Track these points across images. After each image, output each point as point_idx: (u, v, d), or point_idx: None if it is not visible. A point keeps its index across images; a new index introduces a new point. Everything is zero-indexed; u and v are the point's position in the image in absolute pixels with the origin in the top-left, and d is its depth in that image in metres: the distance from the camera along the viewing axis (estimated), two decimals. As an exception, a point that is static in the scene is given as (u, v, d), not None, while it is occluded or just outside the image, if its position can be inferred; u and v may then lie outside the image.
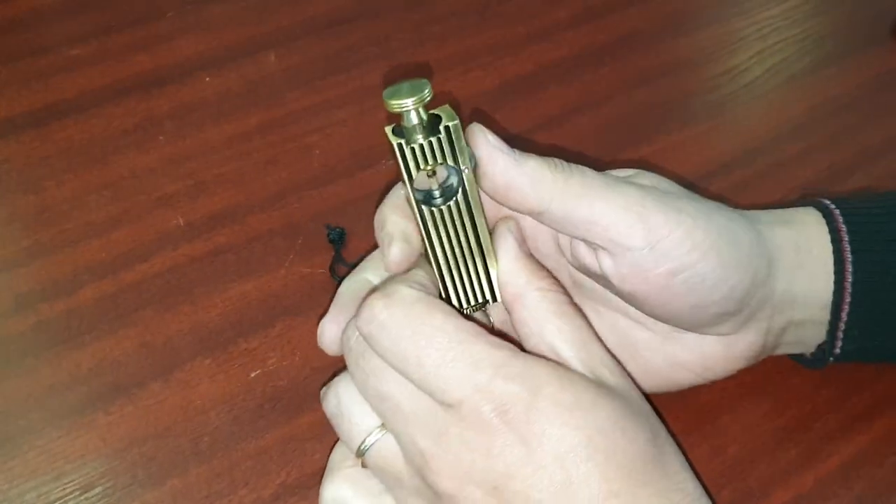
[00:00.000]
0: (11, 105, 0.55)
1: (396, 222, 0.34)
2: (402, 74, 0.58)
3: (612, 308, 0.39)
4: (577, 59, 0.60)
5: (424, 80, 0.32)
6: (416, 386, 0.31)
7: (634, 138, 0.55)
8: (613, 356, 0.34)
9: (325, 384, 0.41)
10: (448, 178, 0.33)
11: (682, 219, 0.35)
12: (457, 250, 0.35)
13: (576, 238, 0.36)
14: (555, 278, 0.35)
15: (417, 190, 0.33)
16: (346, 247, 0.48)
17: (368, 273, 0.36)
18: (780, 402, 0.43)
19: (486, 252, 0.35)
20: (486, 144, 0.33)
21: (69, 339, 0.44)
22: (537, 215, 0.35)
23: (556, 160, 0.35)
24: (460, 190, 0.33)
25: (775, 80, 0.60)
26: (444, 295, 0.35)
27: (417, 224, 0.34)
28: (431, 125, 0.32)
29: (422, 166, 0.32)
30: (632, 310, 0.39)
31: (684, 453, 0.34)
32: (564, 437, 0.30)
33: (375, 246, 0.48)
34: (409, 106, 0.31)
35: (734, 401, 0.43)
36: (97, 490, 0.38)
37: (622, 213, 0.34)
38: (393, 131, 0.32)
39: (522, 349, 0.33)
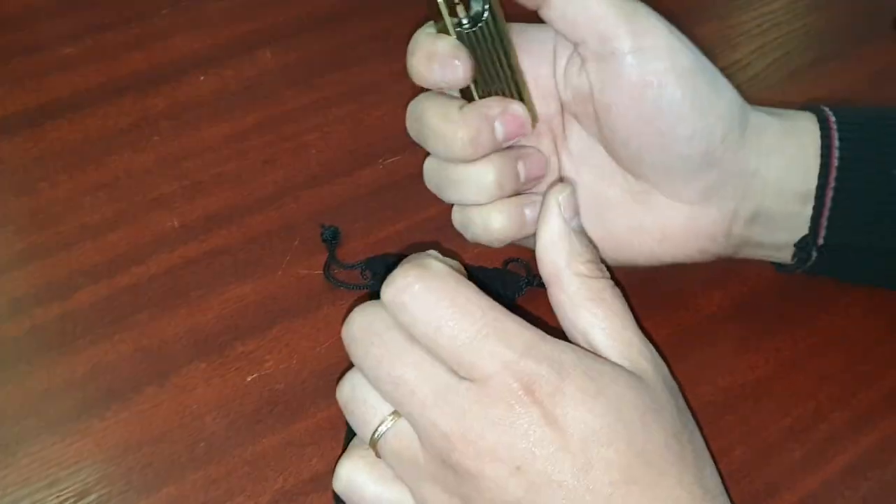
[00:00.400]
0: (4, 105, 0.54)
1: (444, 44, 0.36)
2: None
3: (592, 164, 0.40)
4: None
5: None
6: (443, 359, 0.31)
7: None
8: (650, 345, 0.34)
9: (322, 387, 0.42)
10: (473, 8, 0.36)
11: (671, 39, 0.36)
12: (493, 73, 0.37)
13: (569, 37, 0.37)
14: (598, 261, 0.35)
15: (454, 19, 0.36)
16: (341, 246, 0.47)
17: None
18: (784, 402, 0.43)
19: (516, 73, 0.37)
20: None
21: (64, 344, 0.43)
22: (541, 4, 0.36)
23: None
24: (487, 12, 0.35)
25: (777, 75, 0.59)
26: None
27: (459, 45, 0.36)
28: None
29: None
30: (608, 162, 0.39)
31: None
32: (588, 421, 0.30)
33: (372, 246, 0.47)
34: None
35: (737, 401, 0.43)
36: (92, 497, 0.38)
37: (614, 10, 0.35)
38: None
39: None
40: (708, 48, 0.60)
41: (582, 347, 0.32)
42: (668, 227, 0.40)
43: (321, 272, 0.46)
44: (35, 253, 0.46)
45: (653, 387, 0.32)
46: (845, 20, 0.64)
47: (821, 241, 0.41)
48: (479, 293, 0.31)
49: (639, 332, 0.34)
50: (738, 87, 0.53)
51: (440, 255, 0.33)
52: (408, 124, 0.39)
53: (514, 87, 0.38)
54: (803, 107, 0.42)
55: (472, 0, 0.36)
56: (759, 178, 0.39)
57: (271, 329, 0.44)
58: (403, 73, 0.57)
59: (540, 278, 0.40)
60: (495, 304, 0.31)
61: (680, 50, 0.36)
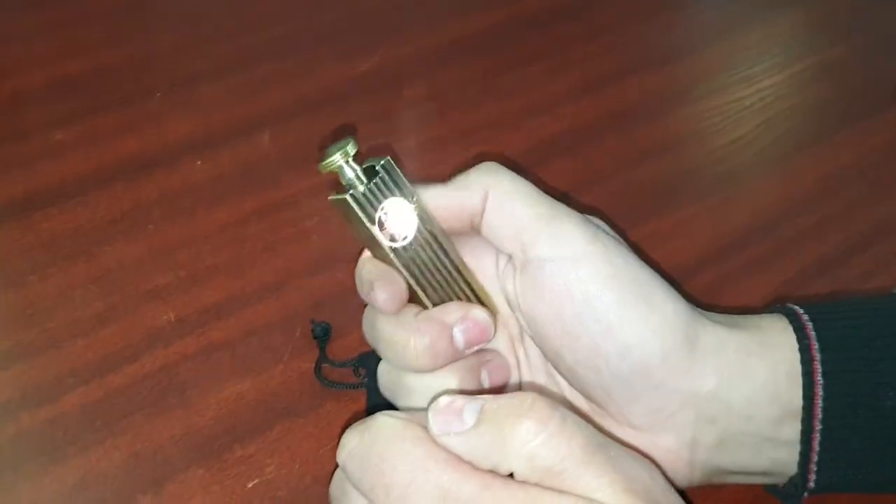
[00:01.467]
0: (-8, 194, 0.52)
1: (371, 269, 0.35)
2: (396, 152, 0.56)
3: (547, 372, 0.38)
4: (577, 133, 0.59)
5: (347, 138, 0.34)
6: None
7: (642, 215, 0.53)
8: (625, 453, 0.29)
9: (326, 494, 0.39)
10: (401, 219, 0.34)
11: (594, 244, 0.34)
12: (441, 279, 0.35)
13: (501, 250, 0.36)
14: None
15: (385, 234, 0.34)
16: (342, 338, 0.45)
17: None
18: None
19: (464, 273, 0.36)
20: None
21: (52, 451, 0.40)
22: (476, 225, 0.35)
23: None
24: (418, 221, 0.34)
25: (784, 150, 0.59)
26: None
27: (398, 269, 0.35)
28: (368, 175, 0.34)
29: (378, 210, 0.34)
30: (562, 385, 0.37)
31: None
32: None
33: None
34: (337, 161, 0.33)
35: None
36: None
37: (535, 218, 0.34)
38: (336, 194, 0.34)
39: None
40: (712, 124, 0.60)
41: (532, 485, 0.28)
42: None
43: (324, 367, 0.44)
44: (22, 352, 0.44)
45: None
46: (848, 92, 0.64)
47: (811, 485, 0.35)
48: (417, 441, 0.28)
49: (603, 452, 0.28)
50: (745, 164, 0.52)
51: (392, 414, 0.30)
52: (363, 328, 0.37)
53: (466, 288, 0.36)
54: (771, 308, 0.37)
55: (396, 211, 0.34)
56: (720, 401, 0.34)
57: (272, 430, 0.42)
58: (406, 155, 0.56)
59: None
60: (436, 451, 0.28)
61: (602, 257, 0.33)
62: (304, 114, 0.58)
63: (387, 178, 0.34)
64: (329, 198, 0.34)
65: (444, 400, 0.29)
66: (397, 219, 0.34)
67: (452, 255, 0.35)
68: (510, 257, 0.35)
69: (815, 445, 0.34)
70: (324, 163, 0.34)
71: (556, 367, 0.36)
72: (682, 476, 0.35)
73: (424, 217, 0.35)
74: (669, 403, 0.34)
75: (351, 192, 0.33)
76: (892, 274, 0.51)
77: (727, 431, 0.34)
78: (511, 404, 0.28)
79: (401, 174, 0.34)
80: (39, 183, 0.53)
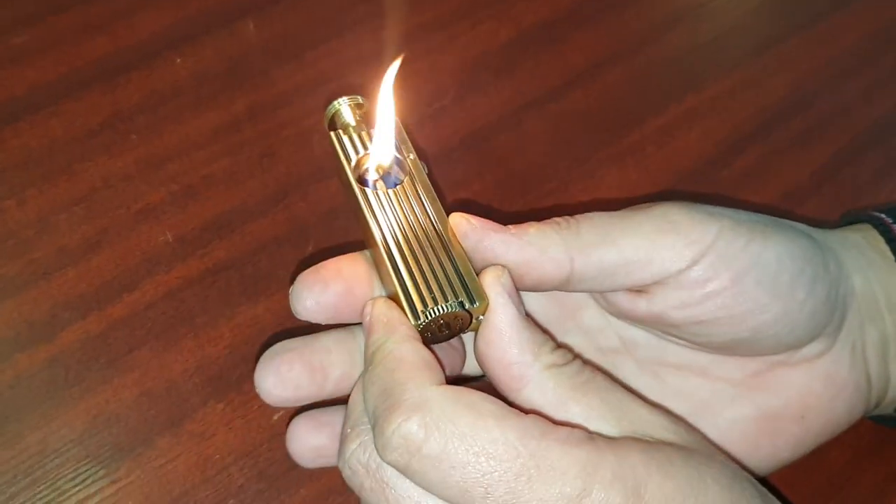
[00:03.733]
0: (-48, 110, 0.47)
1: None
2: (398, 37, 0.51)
3: (673, 366, 0.34)
4: (597, 1, 0.53)
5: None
6: None
7: (676, 91, 0.48)
8: (662, 410, 0.28)
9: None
10: (391, 166, 0.32)
11: (718, 220, 0.30)
12: (413, 242, 0.30)
13: (614, 290, 0.31)
14: (561, 344, 0.29)
15: (357, 174, 0.31)
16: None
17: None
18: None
19: (451, 247, 0.30)
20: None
21: (55, 395, 0.37)
22: (565, 285, 0.29)
23: (557, 219, 0.30)
24: (406, 177, 0.31)
25: (822, 8, 0.53)
26: (406, 304, 0.28)
27: (363, 215, 0.30)
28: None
29: (360, 152, 0.32)
30: (696, 359, 0.33)
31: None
32: None
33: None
34: (342, 102, 0.33)
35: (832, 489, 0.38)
36: (111, 582, 0.32)
37: (653, 238, 0.29)
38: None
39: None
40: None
41: (633, 440, 0.26)
42: (804, 396, 0.33)
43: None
44: (8, 287, 0.40)
45: (716, 457, 0.28)
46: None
47: None
48: (502, 418, 0.25)
49: (640, 401, 0.28)
50: (779, 29, 0.47)
51: (438, 368, 0.27)
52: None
53: (448, 263, 0.29)
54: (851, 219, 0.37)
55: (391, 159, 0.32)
56: (871, 296, 0.33)
57: (294, 355, 0.38)
58: (407, 37, 0.51)
59: None
60: (524, 424, 0.25)
61: (735, 224, 0.30)
62: (290, -3, 0.52)
63: (384, 130, 0.31)
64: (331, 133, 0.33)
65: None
66: (381, 168, 0.31)
67: (438, 222, 0.30)
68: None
69: None
70: (329, 107, 0.33)
71: (714, 348, 0.33)
72: (863, 392, 0.34)
73: (415, 175, 0.31)
74: (836, 321, 0.33)
75: (339, 130, 0.32)
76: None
77: (886, 330, 0.34)
78: None
79: (402, 131, 0.32)
80: (3, 94, 0.47)
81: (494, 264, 0.29)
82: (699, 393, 0.33)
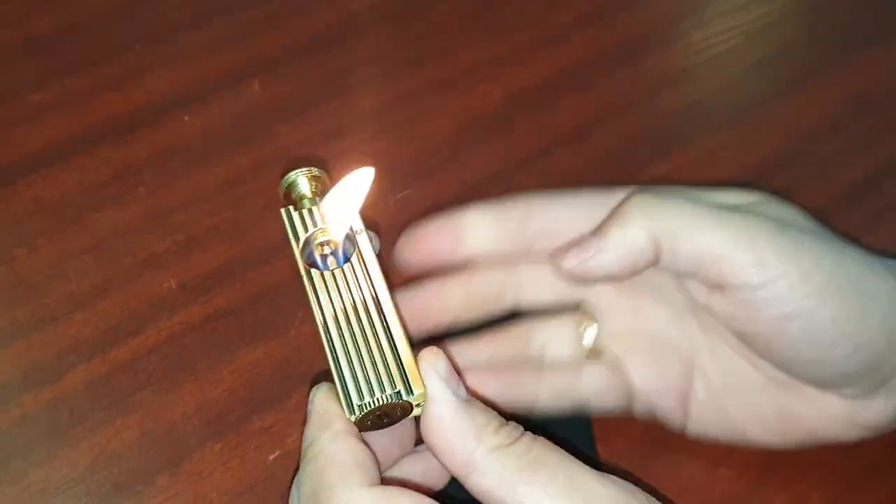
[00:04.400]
0: (-30, 165, 0.49)
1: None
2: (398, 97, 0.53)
3: (727, 343, 0.35)
4: (588, 64, 0.55)
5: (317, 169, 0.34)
6: None
7: (663, 148, 0.50)
8: (612, 480, 0.28)
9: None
10: (343, 244, 0.32)
11: (800, 256, 0.31)
12: (355, 326, 0.30)
13: (682, 275, 0.33)
14: (503, 420, 0.29)
15: (305, 253, 0.32)
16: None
17: None
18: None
19: (393, 331, 0.30)
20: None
21: (59, 434, 0.38)
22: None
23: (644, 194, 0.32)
24: (355, 254, 0.32)
25: (804, 72, 0.56)
26: (342, 395, 0.29)
27: (307, 295, 0.31)
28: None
29: (310, 229, 0.32)
30: (742, 351, 0.35)
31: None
32: None
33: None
34: (298, 174, 0.33)
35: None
36: None
37: (730, 245, 0.31)
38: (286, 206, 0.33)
39: None
40: (730, 46, 0.57)
41: None
42: (824, 419, 0.35)
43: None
44: (18, 331, 0.41)
45: None
46: (869, 10, 0.60)
47: None
48: None
49: (592, 472, 0.28)
50: (763, 90, 0.49)
51: (364, 480, 0.27)
52: None
53: (388, 348, 0.30)
54: None
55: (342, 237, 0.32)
56: None
57: (290, 398, 0.40)
58: (404, 98, 0.53)
59: None
60: None
61: (815, 266, 0.31)
62: (294, 59, 0.55)
63: (335, 205, 0.32)
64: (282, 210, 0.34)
65: None
66: (328, 247, 0.32)
67: (383, 303, 0.30)
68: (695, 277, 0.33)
69: None
70: (283, 179, 0.34)
71: (756, 357, 0.34)
72: (882, 428, 0.35)
73: (363, 252, 0.32)
74: (888, 377, 0.33)
75: (289, 206, 0.33)
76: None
77: None
78: None
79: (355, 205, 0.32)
80: (19, 150, 0.49)
81: (429, 347, 0.29)
82: (742, 372, 0.35)
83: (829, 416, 0.35)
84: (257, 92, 0.53)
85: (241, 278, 0.44)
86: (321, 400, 0.30)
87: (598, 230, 0.33)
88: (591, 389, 0.36)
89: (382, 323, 0.30)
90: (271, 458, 0.38)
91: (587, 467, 0.28)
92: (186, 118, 0.51)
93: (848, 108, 0.53)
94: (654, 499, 0.28)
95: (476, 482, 0.27)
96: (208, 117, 0.51)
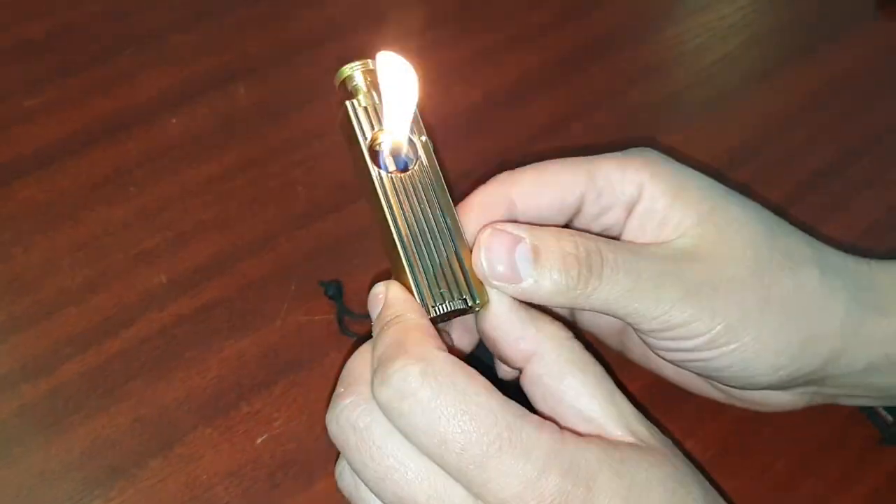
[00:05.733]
0: (-34, 166, 0.51)
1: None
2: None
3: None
4: (562, 62, 0.57)
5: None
6: (454, 476, 0.27)
7: (632, 142, 0.52)
8: (638, 410, 0.31)
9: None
10: (404, 149, 0.32)
11: (714, 307, 0.32)
12: (425, 232, 0.31)
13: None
14: (561, 322, 0.32)
15: (372, 152, 0.31)
16: (346, 295, 0.45)
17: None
18: (821, 410, 0.41)
19: (456, 241, 0.31)
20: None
21: (57, 422, 0.40)
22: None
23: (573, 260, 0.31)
24: (418, 161, 0.32)
25: (770, 65, 0.58)
26: (417, 294, 0.31)
27: (376, 196, 0.31)
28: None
29: (375, 127, 0.31)
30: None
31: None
32: None
33: (376, 282, 0.45)
34: (354, 68, 0.32)
35: (772, 413, 0.41)
36: (105, 590, 0.35)
37: (637, 302, 0.32)
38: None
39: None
40: (697, 44, 0.59)
41: (597, 437, 0.29)
42: (743, 394, 0.38)
43: (323, 318, 0.44)
44: (15, 325, 0.43)
45: (668, 456, 0.30)
46: (829, 5, 0.63)
47: None
48: (490, 391, 0.28)
49: (621, 394, 0.31)
50: (732, 82, 0.51)
51: (443, 343, 0.30)
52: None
53: (453, 254, 0.32)
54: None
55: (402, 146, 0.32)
56: (868, 372, 0.35)
57: (276, 384, 0.42)
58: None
59: None
60: (507, 402, 0.28)
61: (729, 315, 0.32)
62: (278, 61, 0.57)
63: (400, 107, 0.31)
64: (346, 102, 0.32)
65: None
66: (395, 147, 0.32)
67: (445, 210, 0.32)
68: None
69: None
70: (341, 70, 0.33)
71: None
72: (799, 407, 0.39)
73: (426, 158, 0.32)
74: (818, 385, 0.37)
75: (354, 100, 0.32)
76: (888, 181, 0.51)
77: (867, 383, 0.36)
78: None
79: (417, 113, 0.32)
80: (14, 151, 0.51)
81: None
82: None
83: (748, 396, 0.38)
84: (242, 94, 0.55)
85: (229, 271, 0.46)
86: (397, 292, 0.31)
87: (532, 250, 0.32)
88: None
89: (448, 232, 0.31)
90: (258, 440, 0.40)
91: (619, 389, 0.31)
92: (175, 120, 0.53)
93: (811, 99, 0.56)
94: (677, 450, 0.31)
95: (531, 367, 0.30)
96: (195, 118, 0.53)
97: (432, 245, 0.31)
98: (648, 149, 0.35)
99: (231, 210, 0.48)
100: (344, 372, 0.31)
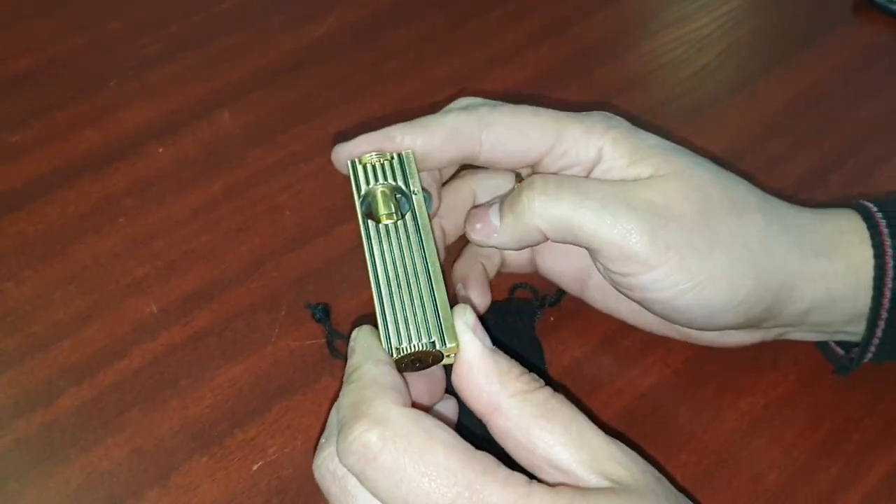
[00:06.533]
0: (-45, 203, 0.51)
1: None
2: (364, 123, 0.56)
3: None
4: (543, 77, 0.58)
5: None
6: None
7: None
8: (616, 443, 0.30)
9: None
10: (399, 201, 0.35)
11: (681, 248, 0.35)
12: (401, 277, 0.33)
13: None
14: (528, 370, 0.31)
15: (363, 203, 0.35)
16: (336, 317, 0.45)
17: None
18: (813, 416, 0.42)
19: (435, 287, 0.33)
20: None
21: (52, 455, 0.40)
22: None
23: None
24: (409, 213, 0.34)
25: (748, 75, 0.59)
26: (383, 332, 0.32)
27: (362, 241, 0.34)
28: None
29: (371, 183, 0.35)
30: None
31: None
32: None
33: (364, 305, 0.45)
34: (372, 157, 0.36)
35: (765, 422, 0.41)
36: None
37: (616, 237, 0.35)
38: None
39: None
40: (675, 56, 0.59)
41: (568, 487, 0.29)
42: (700, 339, 0.42)
43: (314, 342, 0.44)
44: (8, 360, 0.44)
45: (642, 490, 0.29)
46: (805, 10, 0.64)
47: (870, 355, 0.40)
48: (450, 448, 0.28)
49: (599, 432, 0.30)
50: (712, 92, 0.52)
51: (406, 392, 0.30)
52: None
53: (429, 301, 0.33)
54: (842, 204, 0.41)
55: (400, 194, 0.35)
56: (815, 310, 0.38)
57: (270, 411, 0.42)
58: (369, 119, 0.55)
59: (552, 296, 0.44)
60: (471, 459, 0.28)
61: (693, 257, 0.35)
62: (261, 87, 0.58)
63: (397, 164, 0.36)
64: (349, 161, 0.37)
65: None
66: (387, 202, 0.35)
67: (430, 261, 0.33)
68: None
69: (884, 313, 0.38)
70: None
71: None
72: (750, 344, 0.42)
73: (417, 213, 0.34)
74: (769, 325, 0.39)
75: (357, 160, 0.36)
76: (870, 186, 0.51)
77: (811, 321, 0.39)
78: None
79: (415, 167, 0.36)
80: (2, 186, 0.52)
81: (461, 304, 0.32)
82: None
83: (706, 336, 0.42)
84: (227, 120, 0.55)
85: (219, 299, 0.46)
86: (365, 336, 0.32)
87: (502, 206, 0.37)
88: (512, 258, 0.43)
89: (427, 278, 0.33)
90: (254, 468, 0.40)
91: (596, 427, 0.30)
92: (161, 150, 0.53)
93: (791, 107, 0.56)
94: (648, 468, 0.30)
95: (496, 422, 0.30)
96: (181, 147, 0.54)
97: (406, 290, 0.33)
98: (610, 114, 0.38)
99: (219, 238, 0.49)
100: (327, 422, 0.32)
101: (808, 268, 0.37)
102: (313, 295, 0.46)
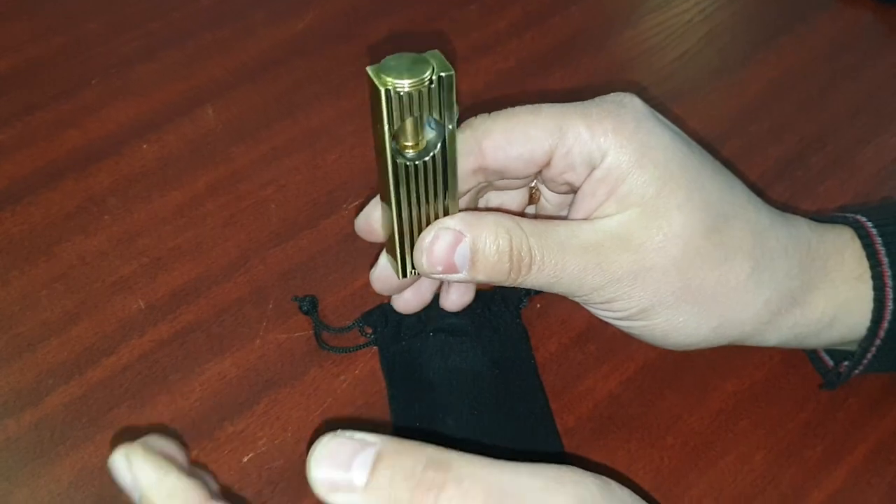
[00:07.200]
0: (-62, 205, 0.51)
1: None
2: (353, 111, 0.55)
3: None
4: (525, 67, 0.58)
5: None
6: None
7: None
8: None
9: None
10: (427, 133, 0.32)
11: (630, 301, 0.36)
12: (423, 213, 0.34)
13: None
14: None
15: (394, 140, 0.32)
16: (323, 309, 0.45)
17: None
18: (798, 396, 0.42)
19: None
20: None
21: (43, 454, 0.40)
22: None
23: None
24: (439, 147, 0.32)
25: (729, 60, 0.59)
26: (399, 258, 0.35)
27: (387, 179, 0.33)
28: (420, 68, 0.30)
29: (405, 116, 0.30)
30: None
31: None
32: None
33: (351, 297, 0.46)
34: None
35: (750, 404, 0.42)
36: None
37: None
38: (377, 73, 0.31)
39: None
40: (656, 42, 0.60)
41: None
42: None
43: (301, 335, 0.44)
44: (-4, 360, 0.44)
45: None
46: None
47: (861, 368, 0.40)
48: None
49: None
50: (693, 77, 0.52)
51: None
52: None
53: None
54: (834, 219, 0.41)
55: (426, 127, 0.32)
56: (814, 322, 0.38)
57: (259, 403, 0.42)
58: (352, 112, 0.56)
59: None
60: None
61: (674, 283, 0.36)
62: (244, 82, 0.57)
63: (436, 93, 0.30)
64: (368, 68, 0.31)
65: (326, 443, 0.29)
66: (419, 135, 0.32)
67: (450, 194, 0.34)
68: None
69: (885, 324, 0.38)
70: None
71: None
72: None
73: (447, 147, 0.32)
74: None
75: (390, 87, 0.30)
76: (851, 169, 0.52)
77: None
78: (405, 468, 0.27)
79: (455, 93, 0.31)
80: (-14, 188, 0.51)
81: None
82: None
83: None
84: (210, 116, 0.55)
85: (206, 294, 0.46)
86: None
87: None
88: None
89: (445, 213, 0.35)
90: (245, 459, 0.40)
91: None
92: (145, 146, 0.53)
93: (771, 91, 0.57)
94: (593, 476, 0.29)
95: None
96: (165, 144, 0.54)
97: (424, 220, 0.34)
98: (624, 103, 0.36)
99: (205, 234, 0.49)
100: None
101: (779, 319, 0.37)
102: (300, 288, 0.46)
